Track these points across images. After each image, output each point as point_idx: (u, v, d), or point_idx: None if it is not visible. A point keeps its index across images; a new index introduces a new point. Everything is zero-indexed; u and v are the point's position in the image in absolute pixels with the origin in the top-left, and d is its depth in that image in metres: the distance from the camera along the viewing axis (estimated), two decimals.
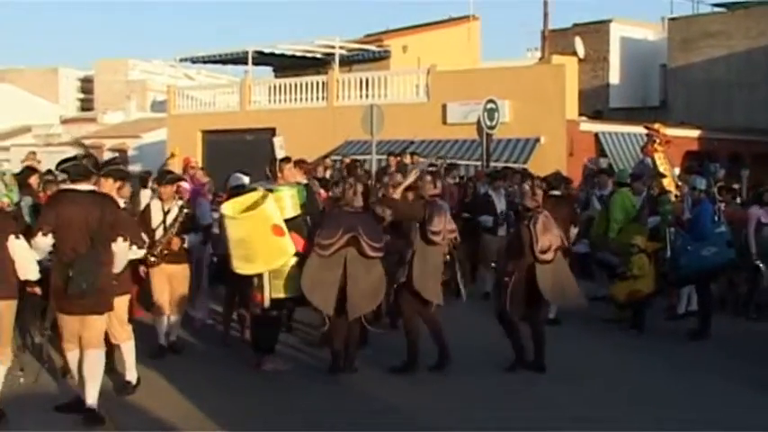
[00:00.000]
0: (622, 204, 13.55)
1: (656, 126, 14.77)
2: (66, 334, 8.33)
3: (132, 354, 9.12)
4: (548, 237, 10.31)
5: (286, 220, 9.74)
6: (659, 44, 40.14)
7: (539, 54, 38.41)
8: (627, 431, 8.25)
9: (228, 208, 9.95)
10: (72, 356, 8.48)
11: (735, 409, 9.01)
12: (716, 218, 12.68)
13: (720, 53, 36.56)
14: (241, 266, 9.78)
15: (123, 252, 8.33)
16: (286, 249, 9.73)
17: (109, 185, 8.72)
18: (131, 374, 9.18)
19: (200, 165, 17.14)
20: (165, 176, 11.19)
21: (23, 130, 59.52)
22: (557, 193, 13.57)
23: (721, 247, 12.43)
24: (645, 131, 15.02)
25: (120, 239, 8.17)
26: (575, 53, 35.91)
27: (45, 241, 7.84)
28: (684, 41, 37.77)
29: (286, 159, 10.87)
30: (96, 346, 8.11)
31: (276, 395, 9.27)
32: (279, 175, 10.60)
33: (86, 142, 53.90)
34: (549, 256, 10.28)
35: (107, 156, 51.36)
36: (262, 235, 9.57)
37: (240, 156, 32.40)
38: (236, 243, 9.65)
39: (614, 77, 39.66)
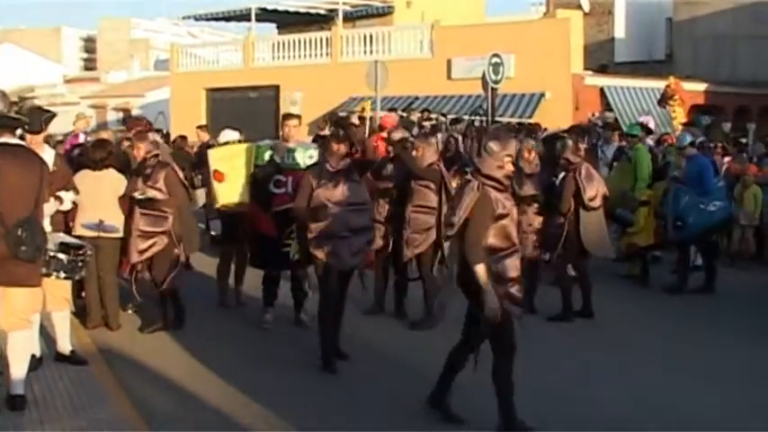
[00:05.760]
0: (648, 160, 13.35)
1: (671, 79, 14.66)
2: None
3: (66, 324, 8.42)
4: (594, 185, 10.51)
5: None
6: None
7: (543, 8, 38.19)
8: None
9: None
10: None
11: (729, 360, 9.06)
12: (715, 172, 12.59)
13: (726, 6, 36.22)
14: None
15: (49, 211, 7.58)
16: (217, 195, 10.32)
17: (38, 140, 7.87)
18: (63, 344, 8.41)
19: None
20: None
21: (27, 90, 59.44)
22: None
23: (723, 201, 12.36)
24: (651, 86, 14.93)
25: (52, 199, 7.48)
26: (579, 7, 35.68)
27: None
28: None
29: (294, 116, 10.61)
30: (24, 326, 7.02)
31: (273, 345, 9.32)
32: (283, 131, 10.31)
33: (91, 102, 53.87)
34: (597, 202, 10.53)
35: (111, 115, 51.47)
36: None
37: (244, 113, 32.44)
38: None
39: (619, 31, 39.35)
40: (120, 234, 9.62)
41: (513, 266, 6.53)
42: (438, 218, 9.94)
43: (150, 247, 9.51)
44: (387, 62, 24.71)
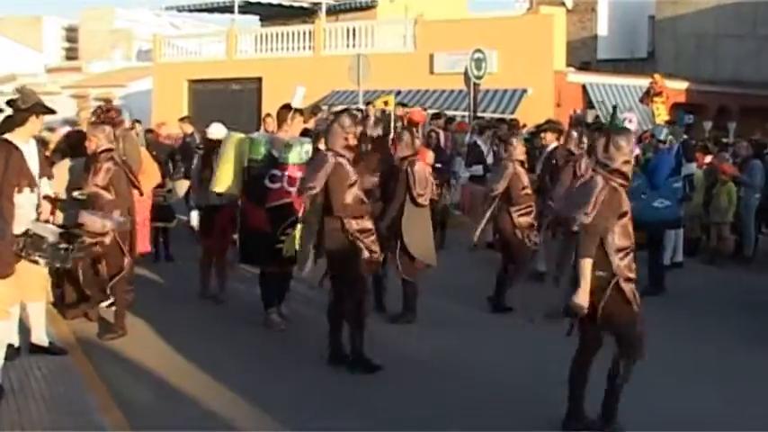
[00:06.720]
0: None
1: (656, 77, 14.66)
2: None
3: (41, 315, 8.32)
4: None
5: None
6: None
7: (526, 5, 38.23)
8: None
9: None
10: None
11: (712, 358, 9.13)
12: (676, 171, 12.50)
13: (708, 5, 36.40)
14: None
15: (28, 202, 7.23)
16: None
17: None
18: (39, 335, 8.31)
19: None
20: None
21: (8, 79, 59.02)
22: None
23: (674, 202, 12.25)
24: (633, 83, 14.99)
25: (27, 190, 7.05)
26: (563, 4, 35.75)
27: None
28: None
29: (298, 111, 10.18)
30: (2, 316, 6.91)
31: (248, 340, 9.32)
32: (287, 123, 10.12)
33: (72, 92, 53.58)
34: None
35: (93, 105, 51.21)
36: None
37: (226, 105, 32.40)
38: None
39: (602, 29, 39.47)
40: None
41: (631, 266, 6.47)
42: (399, 215, 9.97)
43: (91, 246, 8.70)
44: (369, 56, 24.73)
